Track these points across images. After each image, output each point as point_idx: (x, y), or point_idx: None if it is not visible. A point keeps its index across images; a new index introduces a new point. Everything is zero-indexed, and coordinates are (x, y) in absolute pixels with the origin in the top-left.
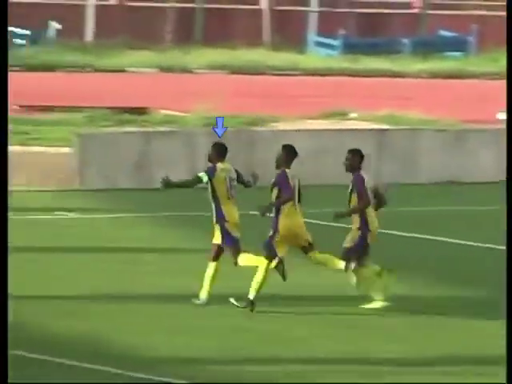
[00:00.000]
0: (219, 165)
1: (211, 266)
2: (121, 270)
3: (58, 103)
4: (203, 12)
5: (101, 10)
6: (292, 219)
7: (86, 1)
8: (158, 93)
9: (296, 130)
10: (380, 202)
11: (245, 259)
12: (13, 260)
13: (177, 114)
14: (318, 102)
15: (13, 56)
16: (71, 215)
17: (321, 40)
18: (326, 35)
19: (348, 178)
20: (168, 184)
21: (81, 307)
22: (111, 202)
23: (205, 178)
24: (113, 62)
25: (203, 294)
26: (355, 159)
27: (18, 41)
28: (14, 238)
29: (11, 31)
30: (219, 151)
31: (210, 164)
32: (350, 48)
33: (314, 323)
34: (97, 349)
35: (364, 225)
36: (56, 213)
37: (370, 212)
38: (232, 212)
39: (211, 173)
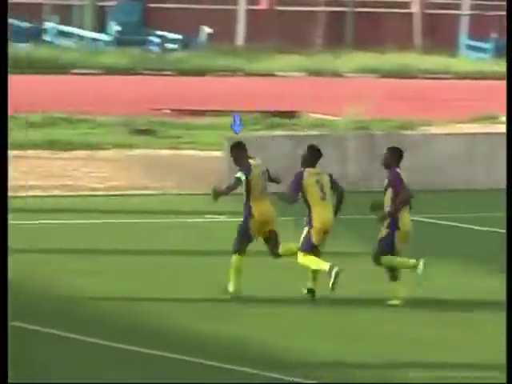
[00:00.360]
0: (252, 162)
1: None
2: (270, 273)
3: (209, 107)
4: (354, 16)
5: (251, 14)
6: (325, 215)
7: (237, 5)
8: (308, 96)
9: (447, 134)
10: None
11: (234, 262)
12: (164, 263)
13: (327, 117)
14: (469, 106)
15: (164, 60)
16: (221, 218)
17: (472, 43)
18: (477, 38)
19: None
20: (217, 194)
21: (230, 310)
22: None
23: (243, 177)
24: (263, 65)
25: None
26: (393, 157)
27: (170, 45)
28: (165, 241)
29: (163, 36)
30: (243, 150)
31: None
32: (501, 51)
33: (459, 328)
34: (246, 351)
35: (393, 223)
36: (206, 216)
37: (403, 211)
38: (263, 209)
39: (247, 171)
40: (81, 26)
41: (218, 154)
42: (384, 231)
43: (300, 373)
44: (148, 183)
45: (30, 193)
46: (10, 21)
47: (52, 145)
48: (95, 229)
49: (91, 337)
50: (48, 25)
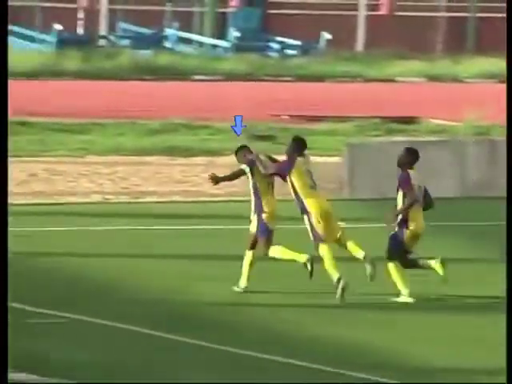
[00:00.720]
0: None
1: (248, 255)
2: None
3: (327, 113)
4: (475, 21)
5: (371, 20)
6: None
7: (357, 11)
8: (427, 102)
9: None
10: (427, 204)
11: (277, 251)
12: (285, 268)
13: (447, 123)
14: None
15: (284, 66)
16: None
17: None
18: None
19: None
20: (216, 180)
21: (352, 316)
22: (379, 211)
23: (247, 169)
24: (382, 71)
25: (243, 282)
26: (408, 158)
27: (289, 51)
28: (285, 247)
29: (283, 42)
30: (245, 151)
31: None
32: None
33: None
34: (364, 357)
35: (403, 222)
36: None
37: (415, 211)
38: (271, 203)
39: (252, 164)
40: (201, 33)
41: (337, 159)
42: (395, 230)
43: (417, 378)
44: None
45: (150, 199)
46: (131, 27)
47: (172, 151)
48: (215, 234)
49: (209, 342)
50: (169, 31)
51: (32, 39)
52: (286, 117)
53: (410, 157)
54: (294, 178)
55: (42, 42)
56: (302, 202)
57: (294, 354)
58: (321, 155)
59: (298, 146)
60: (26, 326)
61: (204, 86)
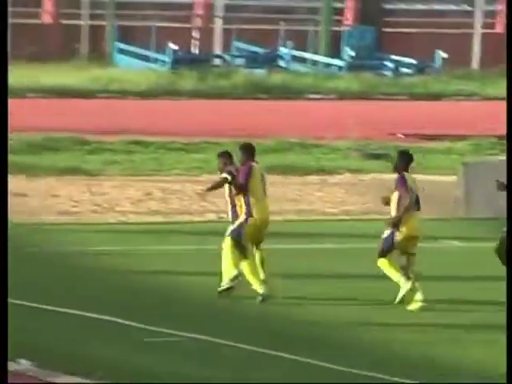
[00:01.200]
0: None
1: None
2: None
3: (443, 132)
4: None
5: (487, 38)
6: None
7: (473, 29)
8: None
9: None
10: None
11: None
12: (393, 288)
13: None
14: None
15: (398, 85)
16: (456, 244)
17: None
18: None
19: None
20: (208, 189)
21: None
22: (496, 230)
23: (229, 177)
24: (499, 90)
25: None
26: (402, 161)
27: (404, 70)
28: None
29: (398, 60)
30: (226, 155)
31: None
32: None
33: None
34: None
35: (394, 224)
36: (441, 241)
37: (410, 214)
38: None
39: (233, 176)
40: (315, 51)
41: (453, 178)
42: (386, 232)
43: None
44: (382, 208)
45: None
46: (246, 46)
47: (286, 169)
48: (329, 253)
49: (321, 360)
50: (283, 50)
51: (147, 59)
52: (401, 136)
53: (404, 160)
54: (250, 184)
55: (157, 61)
56: (248, 205)
57: (403, 372)
58: (437, 174)
59: (249, 152)
60: (144, 344)
61: (318, 104)
